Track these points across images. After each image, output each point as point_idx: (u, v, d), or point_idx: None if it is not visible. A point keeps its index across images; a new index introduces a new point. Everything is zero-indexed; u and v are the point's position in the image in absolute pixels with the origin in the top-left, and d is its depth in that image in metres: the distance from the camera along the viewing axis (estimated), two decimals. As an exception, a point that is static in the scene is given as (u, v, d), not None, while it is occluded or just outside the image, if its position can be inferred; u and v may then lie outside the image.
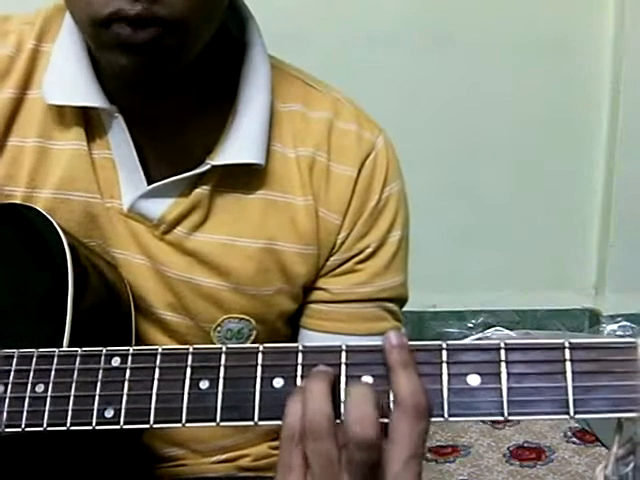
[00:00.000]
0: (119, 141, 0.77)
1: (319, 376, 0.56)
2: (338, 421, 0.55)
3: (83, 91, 0.75)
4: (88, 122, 0.78)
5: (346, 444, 0.53)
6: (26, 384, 0.62)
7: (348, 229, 0.81)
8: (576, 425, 1.84)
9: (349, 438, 0.53)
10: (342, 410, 0.56)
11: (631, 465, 0.51)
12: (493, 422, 1.83)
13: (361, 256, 0.82)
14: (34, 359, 0.62)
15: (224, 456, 0.89)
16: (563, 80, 2.12)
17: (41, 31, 0.79)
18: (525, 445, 1.79)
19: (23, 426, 0.61)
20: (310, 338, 0.83)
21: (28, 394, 0.61)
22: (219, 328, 0.82)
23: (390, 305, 0.85)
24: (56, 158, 0.78)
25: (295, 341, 0.85)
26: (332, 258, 0.82)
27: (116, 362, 0.60)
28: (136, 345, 0.76)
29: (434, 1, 2.05)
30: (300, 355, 0.58)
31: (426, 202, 1.88)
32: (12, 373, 0.63)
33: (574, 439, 1.80)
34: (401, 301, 0.87)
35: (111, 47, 0.68)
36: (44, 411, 0.60)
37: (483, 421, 1.83)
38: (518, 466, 1.72)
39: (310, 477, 0.55)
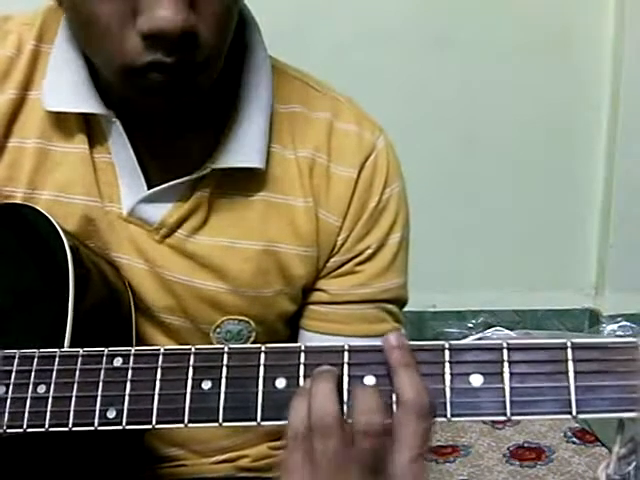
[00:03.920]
0: (118, 146, 0.76)
1: (324, 375, 0.56)
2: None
3: (80, 97, 0.75)
4: (89, 126, 0.78)
5: (353, 436, 0.54)
6: (27, 385, 0.62)
7: (348, 230, 0.81)
8: (576, 425, 1.84)
9: (356, 428, 0.54)
10: (345, 409, 0.56)
11: (633, 464, 0.51)
12: (493, 422, 1.83)
13: (361, 257, 0.82)
14: (35, 360, 0.62)
15: (224, 456, 0.89)
16: (563, 80, 2.12)
17: (40, 32, 0.79)
18: (525, 445, 1.79)
19: (25, 427, 0.61)
20: (309, 339, 0.83)
21: (30, 395, 0.61)
22: (218, 329, 0.82)
23: (390, 306, 0.85)
24: (57, 160, 0.78)
25: (294, 342, 0.85)
26: (332, 259, 0.82)
27: (118, 362, 0.60)
28: (136, 346, 0.76)
29: (434, 1, 2.05)
30: (302, 355, 0.58)
31: (426, 202, 1.88)
32: (13, 374, 0.63)
33: (574, 439, 1.80)
34: (401, 302, 0.87)
35: (144, 90, 0.68)
36: (46, 412, 0.60)
37: (483, 421, 1.83)
38: (518, 466, 1.71)
39: (316, 475, 0.55)
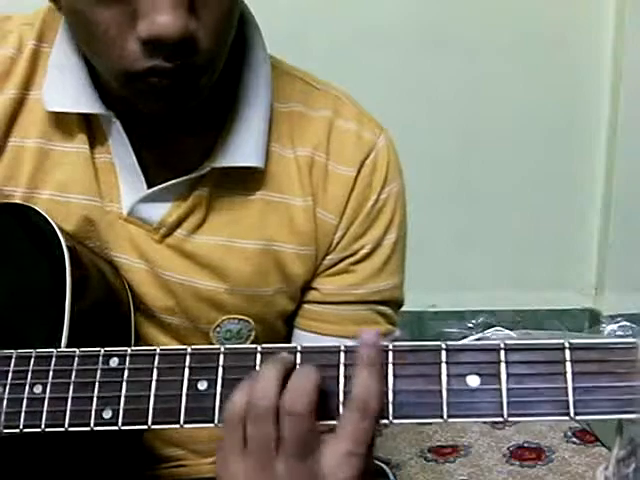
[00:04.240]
0: (118, 146, 0.76)
1: (273, 361, 0.57)
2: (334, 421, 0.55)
3: (81, 98, 0.75)
4: (90, 126, 0.77)
5: (281, 418, 0.55)
6: (24, 385, 0.62)
7: (344, 229, 0.81)
8: (576, 425, 1.84)
9: (282, 409, 0.54)
10: (340, 409, 0.56)
11: (632, 466, 0.51)
12: (493, 422, 1.83)
13: (356, 257, 0.82)
14: (32, 360, 0.62)
15: (223, 456, 0.89)
16: (563, 80, 2.12)
17: (41, 31, 0.79)
18: (525, 445, 1.79)
19: (21, 427, 0.61)
20: (301, 338, 0.83)
21: (26, 395, 0.61)
22: (218, 329, 0.82)
23: (383, 308, 0.84)
24: (58, 160, 0.78)
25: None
26: (327, 257, 0.82)
27: (114, 363, 0.60)
28: (136, 344, 0.76)
29: (434, 1, 2.05)
30: (299, 355, 0.58)
31: (426, 202, 1.89)
32: (10, 374, 0.63)
33: (574, 439, 1.79)
34: (396, 304, 0.86)
35: (145, 94, 0.67)
36: (42, 412, 0.60)
37: (483, 421, 1.83)
38: (518, 466, 1.71)
39: (247, 459, 0.56)
